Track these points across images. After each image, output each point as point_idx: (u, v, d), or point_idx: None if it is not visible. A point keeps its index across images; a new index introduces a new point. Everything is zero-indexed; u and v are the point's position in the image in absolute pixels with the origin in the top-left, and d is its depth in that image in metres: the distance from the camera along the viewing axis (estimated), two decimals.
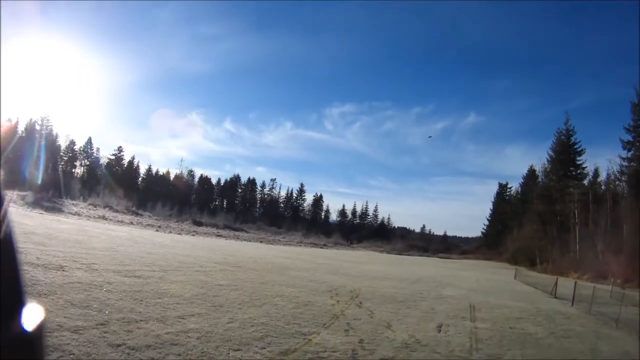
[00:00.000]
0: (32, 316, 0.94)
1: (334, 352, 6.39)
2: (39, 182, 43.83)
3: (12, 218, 0.96)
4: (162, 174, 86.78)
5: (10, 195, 31.36)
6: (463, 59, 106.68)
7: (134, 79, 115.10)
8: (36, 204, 31.19)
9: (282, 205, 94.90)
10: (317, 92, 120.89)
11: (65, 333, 5.17)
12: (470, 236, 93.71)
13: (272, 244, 44.45)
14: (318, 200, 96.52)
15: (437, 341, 7.87)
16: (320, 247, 51.57)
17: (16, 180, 41.46)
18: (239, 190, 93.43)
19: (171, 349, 5.41)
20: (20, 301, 0.95)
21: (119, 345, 5.12)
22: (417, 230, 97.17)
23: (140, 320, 6.47)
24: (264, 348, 6.13)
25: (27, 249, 10.25)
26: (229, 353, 5.66)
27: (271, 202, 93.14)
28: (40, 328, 0.95)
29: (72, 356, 4.48)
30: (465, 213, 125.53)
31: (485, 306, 13.07)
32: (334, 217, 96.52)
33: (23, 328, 0.91)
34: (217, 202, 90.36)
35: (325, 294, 12.02)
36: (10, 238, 0.95)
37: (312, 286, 13.42)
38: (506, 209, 72.53)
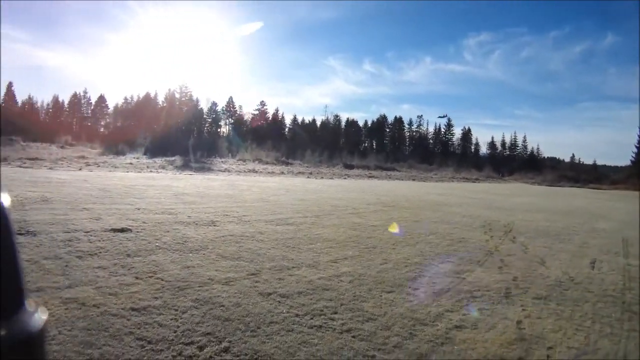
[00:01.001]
0: (33, 317, 0.95)
1: (487, 290, 6.08)
2: (186, 145, 48.04)
3: (11, 212, 0.97)
4: (307, 122, 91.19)
5: (158, 162, 34.67)
6: None
7: (267, 35, 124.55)
8: (185, 166, 34.24)
9: (431, 141, 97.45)
10: (452, 24, 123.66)
11: (216, 286, 5.43)
12: (619, 165, 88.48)
13: (424, 181, 45.02)
14: (466, 134, 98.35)
15: (590, 279, 7.20)
16: (472, 182, 52.07)
17: (164, 147, 45.87)
18: (387, 130, 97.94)
19: (323, 294, 5.43)
20: (20, 302, 0.94)
21: (269, 294, 5.25)
22: (567, 159, 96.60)
23: (292, 267, 6.61)
24: (418, 289, 5.96)
25: (177, 209, 11.17)
26: (381, 295, 5.56)
27: (420, 139, 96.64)
28: (42, 330, 0.95)
29: (222, 308, 4.66)
30: (613, 140, 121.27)
31: (638, 241, 11.58)
32: (483, 150, 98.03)
33: (23, 330, 0.91)
34: (366, 144, 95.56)
35: (478, 230, 11.63)
36: (9, 234, 0.96)
37: (466, 222, 13.05)
38: None
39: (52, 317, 4.13)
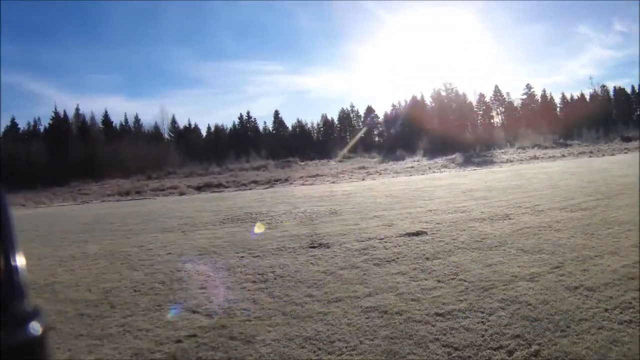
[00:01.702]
0: (34, 319, 0.91)
1: None
2: (463, 141, 48.00)
3: (11, 213, 0.94)
4: (576, 97, 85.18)
5: (439, 161, 35.25)
6: None
7: (511, 16, 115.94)
8: (467, 162, 34.27)
9: None
10: None
11: (521, 283, 5.24)
12: None
13: None
14: None
15: None
16: None
17: (441, 146, 46.58)
18: None
19: (629, 284, 4.91)
20: (20, 304, 0.92)
21: (576, 288, 4.88)
22: None
23: (595, 256, 6.05)
24: None
25: (469, 206, 11.19)
26: None
27: None
28: (43, 333, 0.92)
29: (529, 307, 4.47)
30: None
31: None
32: None
33: (23, 332, 0.89)
34: (638, 112, 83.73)
35: None
36: (9, 235, 0.94)
37: None
38: None
39: (352, 327, 4.33)
